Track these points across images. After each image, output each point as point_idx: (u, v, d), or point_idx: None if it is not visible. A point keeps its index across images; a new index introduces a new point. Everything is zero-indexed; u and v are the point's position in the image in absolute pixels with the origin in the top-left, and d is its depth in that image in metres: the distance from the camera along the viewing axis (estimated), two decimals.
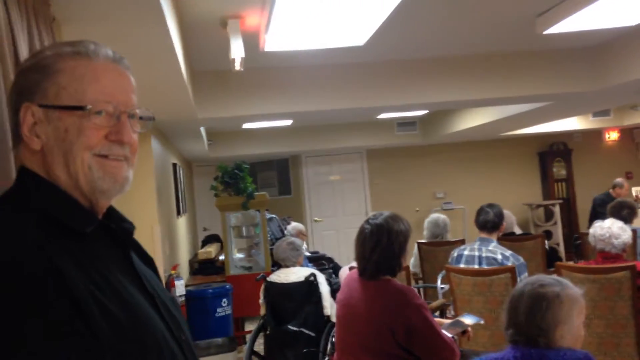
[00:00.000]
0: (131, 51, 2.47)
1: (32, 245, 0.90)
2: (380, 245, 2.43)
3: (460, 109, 7.50)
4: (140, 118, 1.08)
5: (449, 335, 2.51)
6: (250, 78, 4.64)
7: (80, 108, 0.99)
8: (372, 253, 2.44)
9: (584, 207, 9.35)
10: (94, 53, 1.03)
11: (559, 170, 10.29)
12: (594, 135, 10.21)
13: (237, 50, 3.32)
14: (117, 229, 1.08)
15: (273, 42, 3.46)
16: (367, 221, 2.53)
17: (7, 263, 0.87)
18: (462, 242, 5.23)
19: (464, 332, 2.69)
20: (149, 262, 1.22)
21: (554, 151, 10.23)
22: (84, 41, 1.05)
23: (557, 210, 9.56)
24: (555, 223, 9.51)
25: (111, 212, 1.11)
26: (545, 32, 3.74)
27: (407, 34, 4.15)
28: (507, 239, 5.12)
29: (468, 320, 2.73)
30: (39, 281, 0.87)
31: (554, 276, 1.89)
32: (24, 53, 1.47)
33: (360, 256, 2.49)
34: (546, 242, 5.48)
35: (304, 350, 4.11)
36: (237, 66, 3.40)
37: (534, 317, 1.76)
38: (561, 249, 9.31)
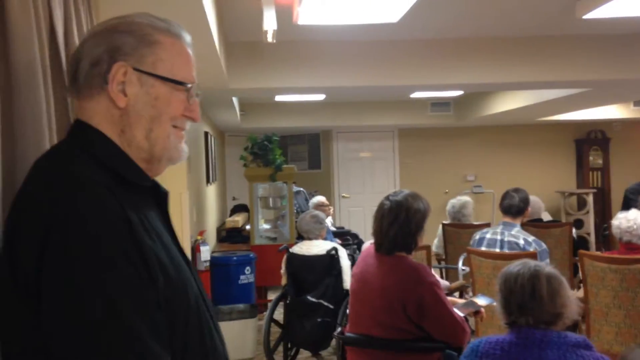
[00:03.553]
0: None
1: (107, 193, 0.97)
2: (398, 222, 2.47)
3: (496, 92, 7.39)
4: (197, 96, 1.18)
5: (461, 314, 2.54)
6: (283, 51, 4.66)
7: (180, 83, 1.09)
8: (390, 229, 2.47)
9: (618, 197, 9.15)
10: (182, 36, 1.13)
11: (595, 159, 10.08)
12: (635, 125, 9.95)
13: (269, 22, 3.33)
14: (159, 190, 1.17)
15: (306, 15, 3.46)
16: (387, 197, 2.56)
17: (92, 206, 0.94)
18: (488, 225, 5.21)
19: (477, 312, 2.71)
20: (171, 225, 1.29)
21: (592, 139, 10.02)
22: (171, 21, 1.14)
23: (590, 199, 9.39)
24: (587, 212, 9.36)
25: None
26: (584, 17, 3.66)
27: (441, 13, 4.11)
28: (534, 225, 5.09)
29: (481, 301, 2.75)
30: (118, 226, 0.94)
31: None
32: (58, 15, 1.52)
33: (378, 231, 2.53)
34: (574, 230, 5.43)
35: (319, 320, 4.19)
36: (269, 38, 3.41)
37: (553, 298, 1.75)
38: (592, 239, 9.18)
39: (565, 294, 1.77)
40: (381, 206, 2.54)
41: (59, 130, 1.29)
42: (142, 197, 1.09)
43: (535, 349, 1.71)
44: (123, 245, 0.94)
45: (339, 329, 2.67)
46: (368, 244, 4.07)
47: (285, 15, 3.62)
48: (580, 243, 8.73)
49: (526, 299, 1.76)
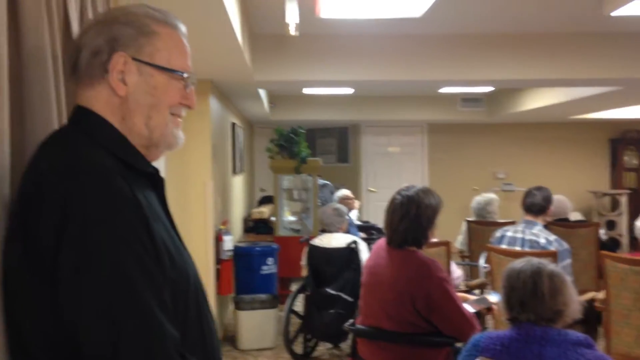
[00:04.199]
0: (184, 10, 2.57)
1: (118, 176, 1.01)
2: (409, 216, 2.47)
3: (528, 89, 7.28)
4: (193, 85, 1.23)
5: (472, 310, 2.54)
6: (310, 43, 4.69)
7: (177, 72, 1.14)
8: (400, 223, 2.48)
9: None
10: (178, 27, 1.18)
11: (630, 159, 9.84)
12: None
13: (291, 15, 3.36)
14: (157, 174, 1.21)
15: (328, 8, 3.49)
16: (398, 192, 2.57)
17: (106, 187, 0.98)
18: (512, 223, 5.15)
19: (489, 309, 2.70)
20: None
21: (627, 139, 9.78)
22: (167, 12, 1.18)
23: (624, 200, 9.19)
24: (620, 214, 9.16)
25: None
26: (612, 14, 3.59)
27: (466, 8, 4.07)
28: (560, 224, 5.01)
29: (494, 298, 2.74)
30: (130, 207, 0.99)
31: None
32: (72, 5, 1.57)
33: (389, 225, 2.54)
34: (601, 231, 5.32)
35: (338, 312, 4.22)
36: (292, 31, 3.45)
37: (554, 295, 1.75)
38: (625, 241, 8.99)
39: (568, 292, 1.76)
40: (392, 200, 2.55)
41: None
42: (142, 182, 1.12)
43: (536, 345, 1.70)
44: (135, 225, 0.98)
45: (350, 321, 2.68)
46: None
47: (310, 9, 3.65)
48: (612, 244, 8.56)
49: (527, 296, 1.76)
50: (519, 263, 1.85)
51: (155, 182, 1.18)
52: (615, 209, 9.29)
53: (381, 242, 2.64)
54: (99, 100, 1.12)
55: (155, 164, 1.23)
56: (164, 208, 1.19)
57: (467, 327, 2.40)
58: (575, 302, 1.77)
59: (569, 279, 1.82)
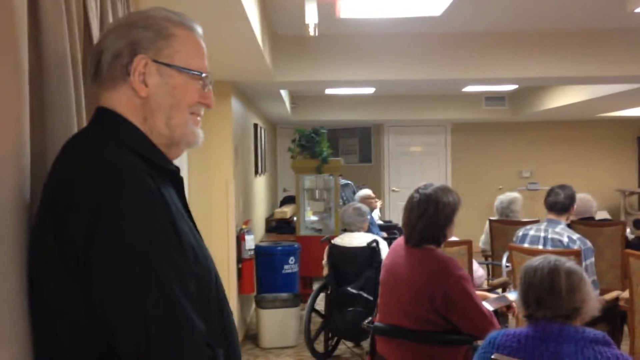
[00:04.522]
0: (204, 13, 2.61)
1: (144, 174, 1.05)
2: (427, 215, 2.48)
3: (552, 86, 7.19)
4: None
5: (491, 308, 2.53)
6: (330, 44, 4.71)
7: (195, 73, 1.17)
8: (418, 222, 2.49)
9: None
10: (194, 28, 1.21)
11: None
12: None
13: (311, 16, 3.39)
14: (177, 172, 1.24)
15: (348, 9, 3.50)
16: (416, 190, 2.57)
17: (135, 185, 1.02)
18: (535, 222, 5.11)
19: (509, 307, 2.69)
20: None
21: None
22: (184, 14, 1.22)
23: None
24: None
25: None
26: (636, 11, 3.54)
27: (486, 6, 4.05)
28: (585, 223, 4.95)
29: (513, 296, 2.73)
30: (158, 203, 1.03)
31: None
32: (93, 10, 1.61)
33: (407, 224, 2.54)
34: (628, 229, 5.24)
35: (358, 311, 4.23)
36: (311, 32, 3.47)
37: (572, 292, 1.74)
38: None
39: (585, 290, 1.75)
40: (411, 199, 2.56)
41: (89, 118, 1.38)
42: (164, 180, 1.16)
43: (552, 342, 1.70)
44: (164, 221, 1.02)
45: (369, 319, 2.69)
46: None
47: (331, 9, 3.67)
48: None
49: (544, 293, 1.75)
50: (536, 260, 1.85)
51: (176, 180, 1.22)
52: None
53: (399, 240, 2.65)
54: (121, 102, 1.15)
55: (177, 163, 1.27)
56: (184, 205, 1.22)
57: (486, 325, 2.39)
58: (593, 299, 1.76)
59: (587, 276, 1.81)
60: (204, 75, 1.19)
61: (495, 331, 1.83)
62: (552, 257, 1.83)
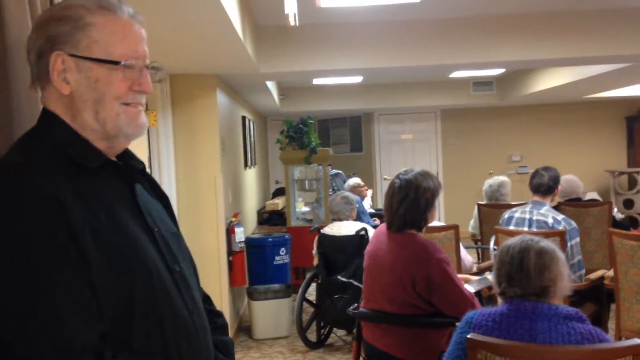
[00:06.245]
0: (178, 3, 2.61)
1: (39, 176, 1.03)
2: (408, 199, 2.50)
3: (539, 69, 7.21)
4: (153, 68, 1.20)
5: (472, 290, 2.56)
6: (313, 33, 4.71)
7: (114, 63, 1.11)
8: (399, 207, 2.51)
9: None
10: (119, 9, 1.14)
11: None
12: None
13: (290, 5, 3.39)
14: (124, 166, 1.22)
15: None
16: (397, 176, 2.59)
17: (15, 192, 1.00)
18: (522, 205, 5.14)
19: (490, 288, 2.72)
20: (163, 198, 1.36)
21: None
22: None
23: None
24: (638, 192, 9.06)
25: (125, 152, 1.25)
26: None
27: None
28: (572, 204, 4.99)
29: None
30: (41, 210, 1.00)
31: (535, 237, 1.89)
32: None
33: (388, 209, 2.57)
34: (615, 209, 5.28)
35: (349, 299, 4.26)
36: (291, 21, 3.48)
37: (541, 271, 1.77)
38: None
39: (557, 269, 1.78)
40: (391, 184, 2.58)
41: None
42: (102, 177, 1.14)
43: (526, 320, 1.73)
44: (46, 224, 0.99)
45: (354, 305, 2.72)
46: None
47: None
48: (630, 223, 8.46)
49: (514, 271, 1.78)
50: (512, 240, 1.88)
51: (128, 174, 1.20)
52: (633, 188, 9.19)
53: (382, 227, 2.67)
54: (52, 100, 1.14)
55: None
56: (135, 199, 1.18)
57: (467, 307, 2.42)
58: (564, 279, 1.79)
59: (561, 255, 1.83)
60: (129, 62, 1.12)
61: (472, 311, 1.86)
62: (527, 237, 1.86)
